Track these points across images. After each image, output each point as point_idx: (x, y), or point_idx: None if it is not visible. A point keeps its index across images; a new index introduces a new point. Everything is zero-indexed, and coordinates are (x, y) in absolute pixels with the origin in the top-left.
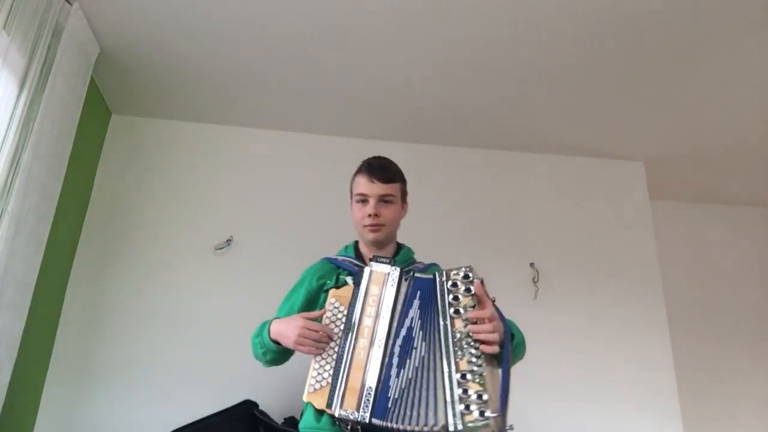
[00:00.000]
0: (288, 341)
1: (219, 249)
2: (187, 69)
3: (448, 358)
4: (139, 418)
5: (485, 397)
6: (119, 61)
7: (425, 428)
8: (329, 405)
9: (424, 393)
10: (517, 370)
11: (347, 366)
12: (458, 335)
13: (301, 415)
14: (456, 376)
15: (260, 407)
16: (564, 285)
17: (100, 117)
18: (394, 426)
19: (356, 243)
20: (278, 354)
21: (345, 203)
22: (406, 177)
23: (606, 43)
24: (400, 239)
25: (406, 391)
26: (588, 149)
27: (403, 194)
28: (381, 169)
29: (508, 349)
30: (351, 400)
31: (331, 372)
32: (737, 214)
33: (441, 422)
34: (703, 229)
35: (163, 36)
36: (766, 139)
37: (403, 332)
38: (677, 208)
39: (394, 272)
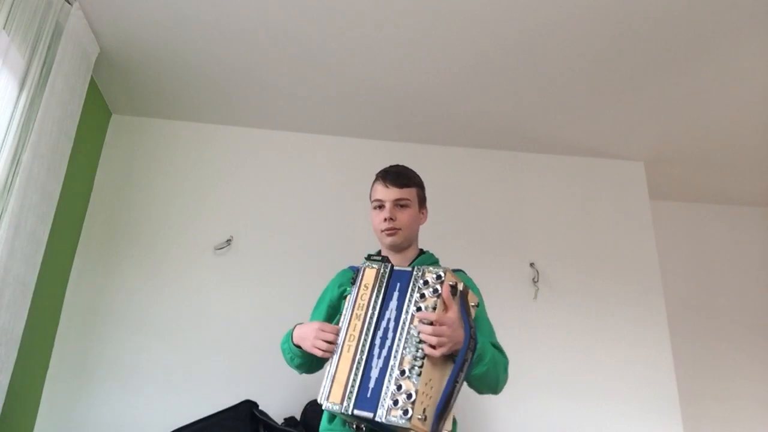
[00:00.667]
0: (306, 344)
1: (219, 249)
2: (187, 69)
3: (395, 352)
4: (139, 418)
5: (414, 398)
6: (119, 61)
7: (375, 419)
8: (322, 399)
9: (381, 385)
10: (517, 370)
11: (336, 361)
12: (412, 331)
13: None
14: (396, 372)
15: (260, 407)
16: (564, 285)
17: (100, 117)
18: (369, 416)
19: (380, 251)
20: (305, 359)
21: (345, 203)
22: None
23: (606, 43)
24: None
25: (378, 382)
26: (588, 149)
27: (421, 200)
28: (395, 174)
29: (461, 358)
30: (337, 393)
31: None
32: (737, 214)
33: (376, 411)
34: (703, 229)
35: (163, 36)
36: (766, 139)
37: (383, 324)
38: (677, 208)
39: (386, 269)
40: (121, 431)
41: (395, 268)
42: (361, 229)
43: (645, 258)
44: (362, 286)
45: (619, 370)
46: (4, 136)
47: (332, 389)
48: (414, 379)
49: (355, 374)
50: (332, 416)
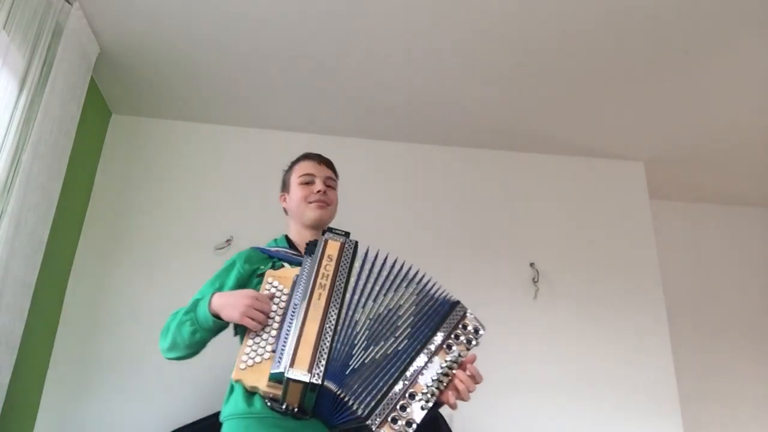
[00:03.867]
0: (234, 312)
1: (219, 249)
2: (188, 69)
3: (410, 374)
4: (139, 418)
5: (413, 427)
6: (119, 61)
7: (359, 412)
8: (275, 367)
9: (380, 382)
10: (516, 370)
11: (298, 331)
12: (435, 362)
13: (224, 403)
14: (409, 390)
15: None
16: (564, 285)
17: (100, 117)
18: (344, 397)
19: (286, 236)
20: (208, 334)
21: (344, 203)
22: (408, 177)
23: (606, 43)
24: (405, 239)
25: (368, 369)
26: (588, 149)
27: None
28: (324, 157)
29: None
30: (303, 362)
31: (271, 347)
32: (737, 214)
33: (369, 413)
34: (703, 229)
35: (163, 36)
36: (766, 139)
37: (380, 309)
38: (677, 208)
39: (350, 243)
40: (121, 431)
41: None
42: (361, 228)
43: (645, 258)
44: (325, 257)
45: (619, 370)
46: (4, 136)
47: (296, 359)
48: (421, 407)
49: (323, 345)
50: (250, 396)
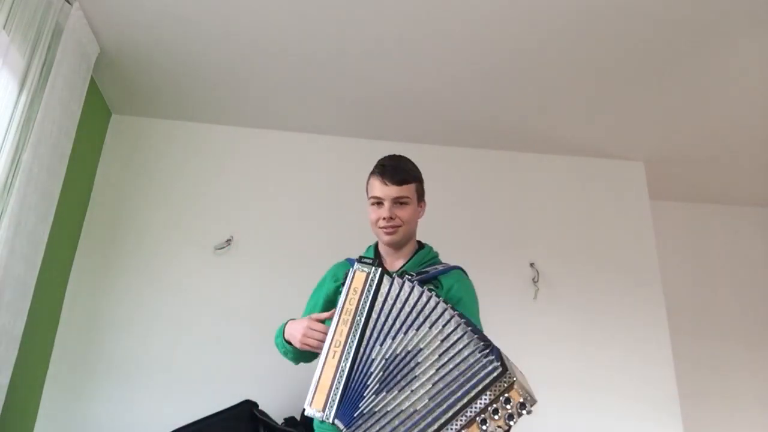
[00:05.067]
0: (295, 341)
1: (219, 249)
2: (187, 69)
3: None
4: (139, 418)
5: None
6: (119, 61)
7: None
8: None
9: (403, 428)
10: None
11: (322, 365)
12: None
13: None
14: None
15: (260, 407)
16: (564, 285)
17: (100, 117)
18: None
19: (377, 243)
20: (297, 353)
21: (345, 203)
22: None
23: (606, 43)
24: None
25: (381, 421)
26: (588, 149)
27: (420, 194)
28: (394, 170)
29: None
30: (320, 399)
31: None
32: (737, 214)
33: None
34: (703, 229)
35: (163, 36)
36: (766, 139)
37: (397, 350)
38: (677, 208)
39: (375, 273)
40: (121, 431)
41: (393, 274)
42: (360, 228)
43: (645, 258)
44: (351, 290)
45: (619, 369)
46: (4, 136)
47: (315, 396)
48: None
49: (337, 384)
50: None
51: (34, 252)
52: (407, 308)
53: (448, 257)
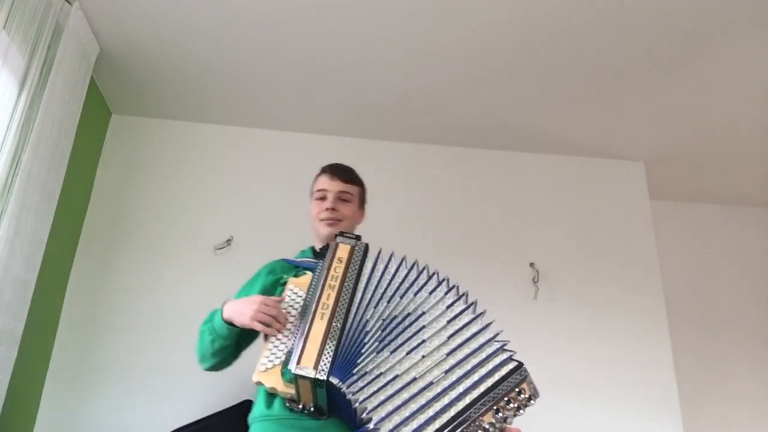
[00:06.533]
0: (244, 318)
1: (219, 249)
2: (188, 69)
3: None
4: (139, 418)
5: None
6: (119, 61)
7: (373, 422)
8: (285, 365)
9: (416, 405)
10: None
11: (307, 330)
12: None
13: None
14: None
15: None
16: (564, 285)
17: (100, 117)
18: (350, 396)
19: (312, 247)
20: (229, 341)
21: None
22: (408, 177)
23: (606, 42)
24: (405, 239)
25: (389, 383)
26: (588, 149)
27: (362, 200)
28: (341, 170)
29: None
30: (309, 358)
31: (286, 350)
32: (737, 214)
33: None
34: (703, 229)
35: (163, 36)
36: (766, 140)
37: (394, 312)
38: (677, 208)
39: (360, 245)
40: (121, 431)
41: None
42: (360, 228)
43: (645, 258)
44: (335, 260)
45: (619, 370)
46: (4, 136)
47: (303, 356)
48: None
49: (329, 342)
50: (271, 398)
51: (34, 252)
52: (398, 278)
53: (448, 257)
